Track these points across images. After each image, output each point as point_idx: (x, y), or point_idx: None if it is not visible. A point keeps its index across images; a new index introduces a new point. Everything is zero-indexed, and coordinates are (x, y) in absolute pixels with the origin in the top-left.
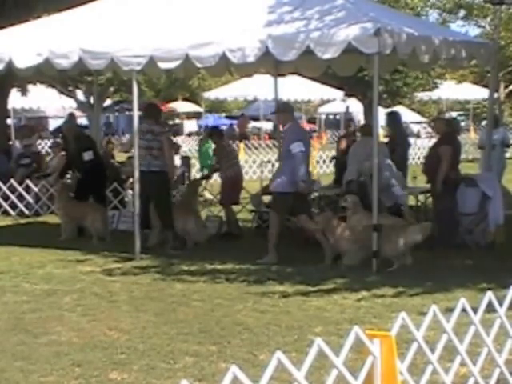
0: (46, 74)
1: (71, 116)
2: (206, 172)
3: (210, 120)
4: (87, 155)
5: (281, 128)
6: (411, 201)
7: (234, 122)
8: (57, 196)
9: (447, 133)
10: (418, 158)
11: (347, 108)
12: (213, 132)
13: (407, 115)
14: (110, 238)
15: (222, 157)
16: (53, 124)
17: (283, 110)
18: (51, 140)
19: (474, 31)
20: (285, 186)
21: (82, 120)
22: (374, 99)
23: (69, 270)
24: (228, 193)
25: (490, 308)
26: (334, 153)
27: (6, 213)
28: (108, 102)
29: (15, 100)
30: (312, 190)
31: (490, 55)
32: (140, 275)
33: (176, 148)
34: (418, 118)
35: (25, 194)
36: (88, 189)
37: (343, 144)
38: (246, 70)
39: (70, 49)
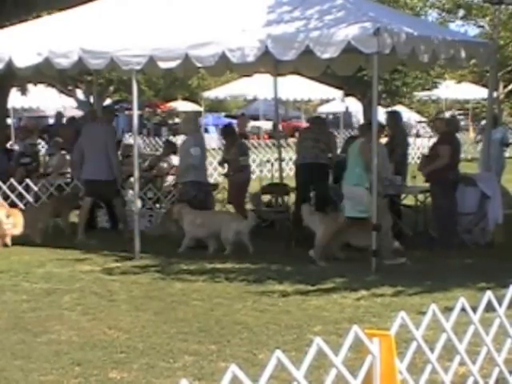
0: (46, 73)
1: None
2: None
3: (210, 119)
4: None
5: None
6: (410, 200)
7: (234, 121)
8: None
9: (447, 132)
10: (418, 158)
11: (346, 108)
12: (232, 130)
13: (407, 115)
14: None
15: (241, 154)
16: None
17: None
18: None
19: (473, 31)
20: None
21: None
22: (373, 99)
23: (68, 269)
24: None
25: (490, 307)
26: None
27: None
28: (108, 101)
29: (15, 99)
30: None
31: (489, 55)
32: (140, 274)
33: (174, 148)
34: (418, 117)
35: (25, 193)
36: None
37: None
38: (245, 69)
39: (70, 48)
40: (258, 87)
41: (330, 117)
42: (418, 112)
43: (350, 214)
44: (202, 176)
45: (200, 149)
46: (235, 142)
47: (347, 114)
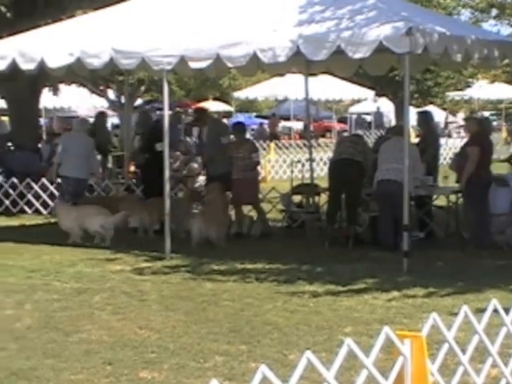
0: (78, 73)
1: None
2: None
3: (241, 119)
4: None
5: None
6: (442, 201)
7: (265, 121)
8: None
9: (478, 133)
10: (450, 158)
11: (378, 108)
12: (243, 128)
13: (440, 115)
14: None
15: (254, 151)
16: None
17: None
18: None
19: (506, 30)
20: None
21: (114, 119)
22: (404, 99)
23: (99, 269)
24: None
25: None
26: None
27: (37, 211)
28: (139, 101)
29: (47, 99)
30: None
31: None
32: (170, 274)
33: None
34: (450, 117)
35: (56, 192)
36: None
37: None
38: (277, 69)
39: (102, 48)
40: (289, 87)
41: (363, 117)
42: (450, 112)
43: None
44: (69, 171)
45: (65, 146)
46: (244, 140)
47: (378, 114)
